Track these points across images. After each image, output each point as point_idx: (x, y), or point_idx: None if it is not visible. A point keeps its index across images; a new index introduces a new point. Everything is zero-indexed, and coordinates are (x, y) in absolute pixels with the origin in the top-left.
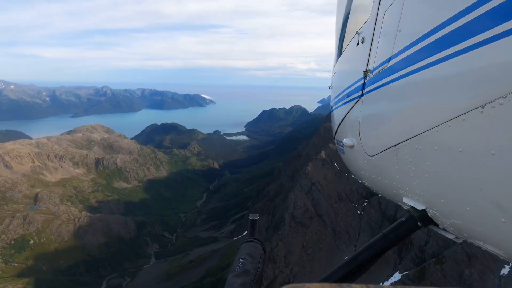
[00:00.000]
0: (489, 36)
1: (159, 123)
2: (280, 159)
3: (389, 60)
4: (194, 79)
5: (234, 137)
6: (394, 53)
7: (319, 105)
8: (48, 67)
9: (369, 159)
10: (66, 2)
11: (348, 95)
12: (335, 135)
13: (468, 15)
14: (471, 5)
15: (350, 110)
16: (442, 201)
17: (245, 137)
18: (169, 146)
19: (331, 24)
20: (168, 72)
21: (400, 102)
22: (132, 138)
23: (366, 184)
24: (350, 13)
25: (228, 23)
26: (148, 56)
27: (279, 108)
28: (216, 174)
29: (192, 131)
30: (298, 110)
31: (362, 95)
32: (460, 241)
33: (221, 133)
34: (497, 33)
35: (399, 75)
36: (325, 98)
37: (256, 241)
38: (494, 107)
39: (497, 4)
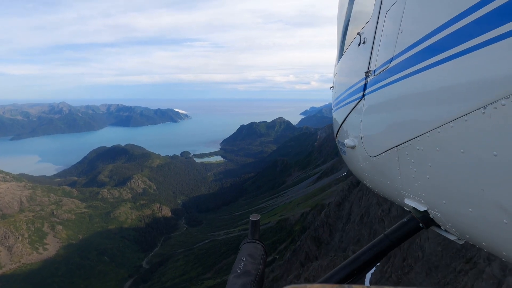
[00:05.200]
0: (491, 37)
1: (115, 144)
2: (261, 197)
3: (390, 61)
4: (174, 94)
5: (206, 159)
6: (395, 54)
7: (303, 117)
8: (16, 84)
9: (371, 160)
10: (28, 16)
11: (349, 96)
12: (336, 136)
13: (470, 15)
14: (473, 5)
15: (351, 110)
16: (444, 202)
17: (219, 159)
18: (103, 183)
19: (306, 37)
20: (147, 87)
21: (402, 103)
22: (70, 167)
23: (367, 185)
24: (352, 14)
25: (203, 37)
26: (124, 72)
27: (260, 122)
28: (163, 228)
29: (147, 156)
30: (282, 124)
31: (363, 95)
32: (462, 242)
33: (190, 154)
34: (499, 34)
35: (401, 76)
36: (308, 109)
37: (257, 241)
38: (496, 108)
39: (499, 5)
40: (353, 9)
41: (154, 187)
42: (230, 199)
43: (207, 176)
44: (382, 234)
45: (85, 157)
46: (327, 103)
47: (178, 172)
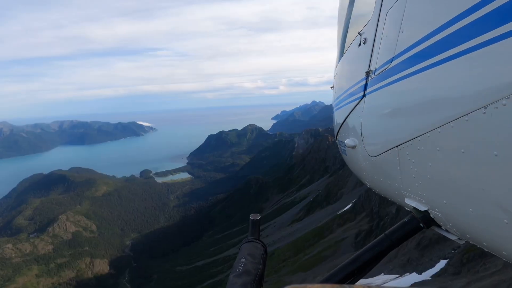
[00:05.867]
0: (492, 37)
1: (56, 169)
2: (232, 234)
3: (391, 61)
4: (141, 106)
5: (170, 178)
6: (396, 54)
7: (275, 121)
8: None
9: (371, 159)
10: None
11: (350, 96)
12: (336, 136)
13: (471, 15)
14: (473, 5)
15: (352, 110)
16: (444, 202)
17: (185, 175)
18: (19, 229)
19: (270, 42)
20: (110, 101)
21: (402, 103)
22: None
23: (368, 185)
24: (352, 13)
25: (165, 46)
26: (84, 86)
27: (230, 131)
28: None
29: (92, 183)
30: (254, 131)
31: (364, 95)
32: (463, 242)
33: (152, 173)
34: (499, 33)
35: (402, 75)
36: (279, 113)
37: (257, 241)
38: (497, 108)
39: (499, 5)
40: (353, 9)
41: (93, 227)
42: (193, 235)
43: (169, 200)
44: (383, 234)
45: (13, 190)
46: (297, 106)
47: (133, 199)
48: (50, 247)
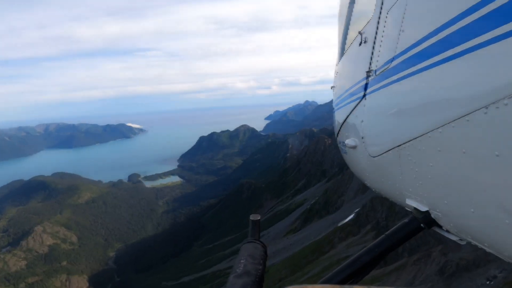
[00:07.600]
0: (493, 36)
1: (36, 175)
2: (223, 244)
3: (392, 60)
4: (131, 107)
5: (159, 182)
6: (397, 54)
7: (268, 121)
8: None
9: (372, 160)
10: None
11: (350, 96)
12: (337, 136)
13: (472, 15)
14: (474, 5)
15: (352, 110)
16: (445, 203)
17: (176, 179)
18: None
19: (261, 41)
20: (99, 102)
21: (403, 103)
22: None
23: (368, 185)
24: (353, 13)
25: (155, 46)
26: (71, 87)
27: (222, 132)
28: None
29: (74, 189)
30: (246, 132)
31: (364, 95)
32: (464, 243)
33: (140, 177)
34: (500, 33)
35: (402, 75)
36: (272, 113)
37: (257, 241)
38: (498, 107)
39: (500, 4)
40: (354, 8)
41: (74, 238)
42: (182, 245)
43: (158, 206)
44: (384, 235)
45: None
46: (290, 106)
47: (119, 205)
48: (23, 263)
